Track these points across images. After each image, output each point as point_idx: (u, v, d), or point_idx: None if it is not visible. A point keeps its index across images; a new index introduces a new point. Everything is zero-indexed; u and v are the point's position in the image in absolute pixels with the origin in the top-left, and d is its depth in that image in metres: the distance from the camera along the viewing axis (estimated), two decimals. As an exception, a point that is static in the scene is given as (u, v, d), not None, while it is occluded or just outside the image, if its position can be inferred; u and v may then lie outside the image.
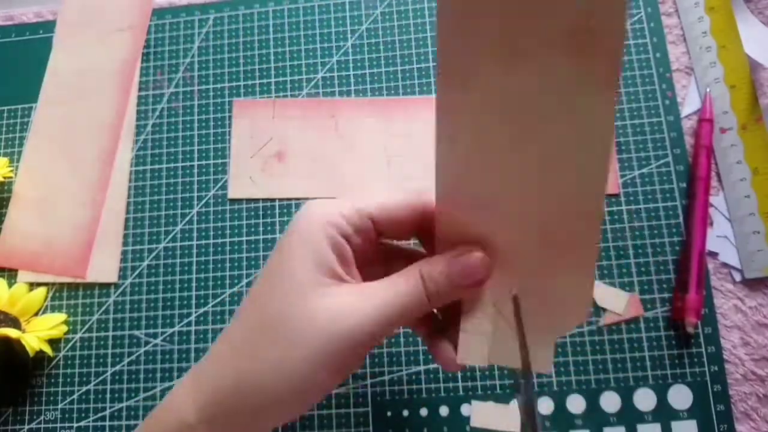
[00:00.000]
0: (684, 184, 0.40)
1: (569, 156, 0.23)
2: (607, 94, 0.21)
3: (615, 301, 0.39)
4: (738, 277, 0.38)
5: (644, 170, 0.41)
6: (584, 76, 0.21)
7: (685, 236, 0.39)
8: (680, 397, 0.37)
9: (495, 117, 0.23)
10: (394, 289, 0.25)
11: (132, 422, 0.40)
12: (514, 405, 0.38)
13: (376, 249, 0.28)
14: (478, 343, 0.26)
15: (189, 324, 0.41)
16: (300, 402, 0.25)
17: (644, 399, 0.37)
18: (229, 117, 0.45)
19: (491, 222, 0.25)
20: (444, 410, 0.38)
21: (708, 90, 0.41)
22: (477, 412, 0.38)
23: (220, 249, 0.42)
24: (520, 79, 0.22)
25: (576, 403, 0.37)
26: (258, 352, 0.24)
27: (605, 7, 0.20)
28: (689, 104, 0.41)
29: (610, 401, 0.37)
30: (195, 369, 0.27)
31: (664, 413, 0.37)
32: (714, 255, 0.39)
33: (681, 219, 0.40)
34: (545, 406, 0.38)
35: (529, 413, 0.25)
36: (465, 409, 0.38)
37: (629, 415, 0.37)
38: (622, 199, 0.40)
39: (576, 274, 0.24)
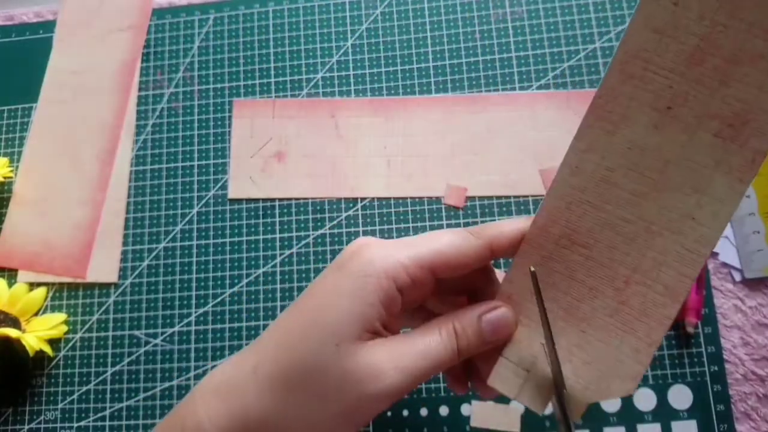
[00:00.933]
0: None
1: (678, 229, 0.23)
2: (738, 186, 0.22)
3: None
4: (738, 277, 0.38)
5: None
6: (723, 162, 0.22)
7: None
8: (680, 397, 0.37)
9: (625, 167, 0.23)
10: (428, 347, 0.24)
11: (132, 422, 0.40)
12: (513, 405, 0.38)
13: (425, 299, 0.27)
14: (513, 373, 0.26)
15: (189, 324, 0.41)
16: None
17: (644, 399, 0.37)
18: (229, 117, 0.45)
19: (573, 263, 0.25)
20: (444, 410, 0.38)
21: None
22: (477, 412, 0.38)
23: (220, 249, 0.42)
24: (664, 140, 0.23)
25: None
26: (288, 396, 0.23)
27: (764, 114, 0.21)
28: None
29: (611, 401, 0.37)
30: (217, 382, 0.25)
31: (664, 413, 0.37)
32: (714, 255, 0.39)
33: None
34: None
35: None
36: (465, 409, 0.38)
37: (629, 414, 0.37)
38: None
39: (637, 344, 0.24)
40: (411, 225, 0.41)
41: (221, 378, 0.25)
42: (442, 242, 0.25)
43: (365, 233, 0.42)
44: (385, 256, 0.24)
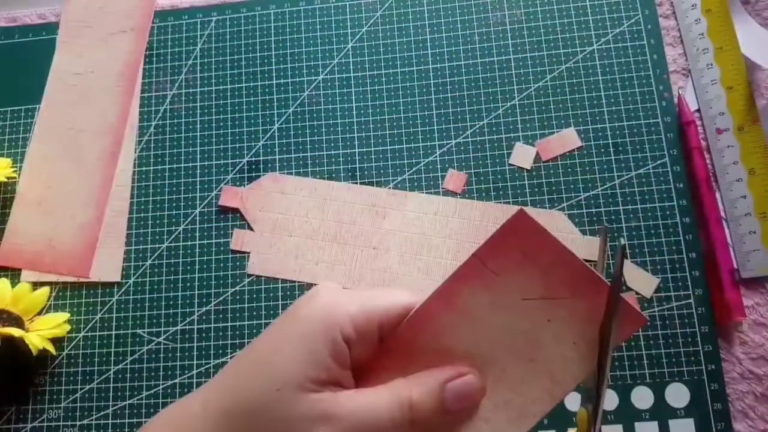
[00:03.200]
0: (681, 185, 0.40)
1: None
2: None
3: (644, 283, 0.39)
4: (735, 277, 0.39)
5: (641, 171, 0.41)
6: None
7: (703, 238, 0.39)
8: (678, 395, 0.37)
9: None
10: (378, 413, 0.22)
11: (135, 420, 0.40)
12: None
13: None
14: None
15: (191, 323, 0.42)
16: None
17: (642, 397, 0.37)
18: (230, 119, 0.45)
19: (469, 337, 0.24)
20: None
21: (680, 93, 0.42)
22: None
23: (222, 248, 0.43)
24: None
25: (574, 402, 0.38)
26: (245, 414, 0.23)
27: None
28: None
29: (608, 399, 0.38)
30: (170, 417, 0.25)
31: (661, 411, 0.37)
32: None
33: (678, 219, 0.40)
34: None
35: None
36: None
37: (627, 413, 0.37)
38: (619, 199, 0.41)
39: None
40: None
41: (173, 413, 0.25)
42: (395, 299, 0.24)
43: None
44: (335, 304, 0.23)
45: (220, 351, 0.41)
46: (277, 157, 0.44)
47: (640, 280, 0.39)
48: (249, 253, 0.42)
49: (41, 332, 0.40)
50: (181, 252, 0.43)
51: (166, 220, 0.44)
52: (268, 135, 0.45)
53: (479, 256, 0.23)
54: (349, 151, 0.44)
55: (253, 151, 0.45)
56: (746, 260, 0.38)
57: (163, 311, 0.42)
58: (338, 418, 0.22)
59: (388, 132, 0.44)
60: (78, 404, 0.41)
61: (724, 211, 0.40)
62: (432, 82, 0.44)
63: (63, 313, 0.43)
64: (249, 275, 0.42)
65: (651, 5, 0.44)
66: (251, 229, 0.43)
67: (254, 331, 0.41)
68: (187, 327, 0.42)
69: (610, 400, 0.38)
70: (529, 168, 0.42)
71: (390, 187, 0.43)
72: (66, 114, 0.46)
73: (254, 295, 0.42)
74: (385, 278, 0.40)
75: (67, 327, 0.42)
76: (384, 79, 0.45)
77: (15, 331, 0.39)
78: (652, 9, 0.44)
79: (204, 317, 0.42)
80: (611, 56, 0.43)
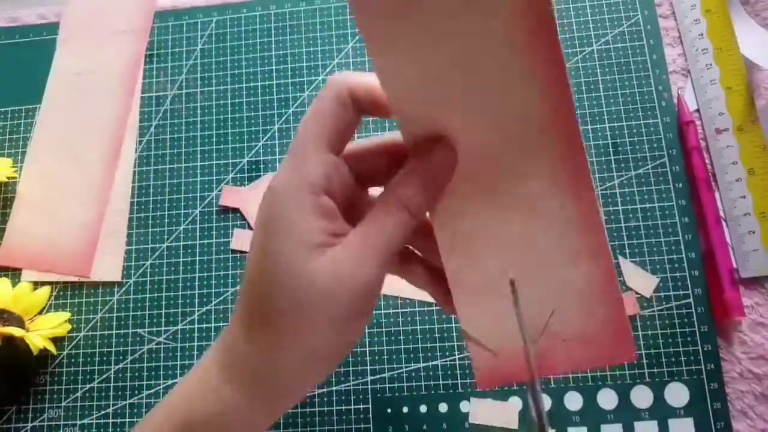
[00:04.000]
0: (680, 185, 0.40)
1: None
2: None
3: (644, 283, 0.39)
4: (734, 277, 0.39)
5: (640, 171, 0.41)
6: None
7: (702, 238, 0.40)
8: (677, 394, 0.37)
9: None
10: (384, 229, 0.24)
11: (135, 420, 0.40)
12: (512, 401, 0.38)
13: (354, 185, 0.27)
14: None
15: (192, 322, 0.42)
16: (329, 365, 0.25)
17: (641, 396, 0.38)
18: (231, 119, 0.45)
19: (453, 120, 0.23)
20: (443, 407, 0.39)
21: (680, 93, 0.42)
22: (476, 408, 0.38)
23: (222, 248, 0.43)
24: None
25: (573, 401, 0.38)
26: (267, 315, 0.24)
27: None
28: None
29: (608, 399, 0.38)
30: (217, 340, 0.27)
31: (660, 411, 0.37)
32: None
33: (677, 219, 0.40)
34: (544, 403, 0.38)
35: (538, 413, 0.25)
36: (464, 406, 0.38)
37: (626, 412, 0.37)
38: (618, 199, 0.41)
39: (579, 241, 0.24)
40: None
41: (223, 342, 0.26)
42: (322, 120, 0.24)
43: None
44: (284, 181, 0.24)
45: (221, 350, 0.41)
46: (277, 157, 0.44)
47: (640, 280, 0.39)
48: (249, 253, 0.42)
49: (42, 332, 0.41)
50: (181, 252, 0.43)
51: (166, 220, 0.44)
52: (269, 135, 0.45)
53: None
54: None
55: (254, 151, 0.45)
56: (745, 260, 0.39)
57: (163, 311, 0.42)
58: (359, 254, 0.23)
59: (387, 132, 0.44)
60: (78, 403, 0.41)
61: (723, 211, 0.40)
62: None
63: (63, 312, 0.43)
64: (249, 275, 0.42)
65: (650, 6, 0.44)
66: (251, 229, 0.43)
67: (254, 330, 0.41)
68: (187, 326, 0.42)
69: (610, 400, 0.38)
70: (528, 168, 0.42)
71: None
72: (66, 114, 0.46)
73: (254, 295, 0.42)
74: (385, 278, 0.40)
75: (68, 326, 0.42)
76: (384, 79, 0.45)
77: (16, 331, 0.39)
78: (651, 9, 0.44)
79: (204, 317, 0.42)
80: (611, 56, 0.43)
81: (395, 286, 0.40)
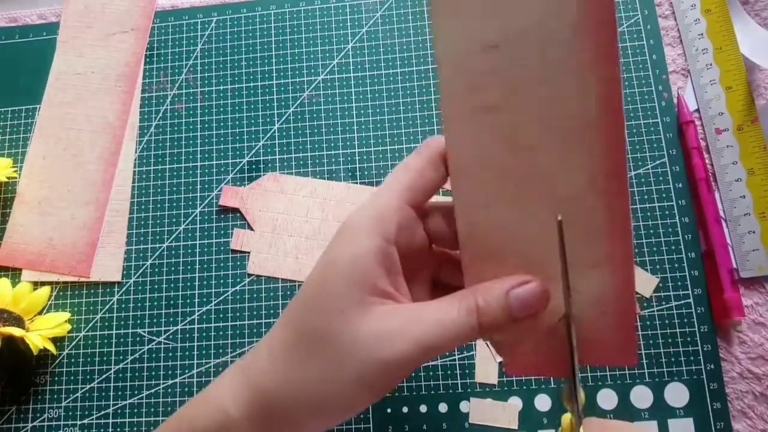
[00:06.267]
0: (680, 185, 0.40)
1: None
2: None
3: (644, 283, 0.39)
4: (734, 277, 0.39)
5: (640, 171, 0.41)
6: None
7: (702, 238, 0.40)
8: (677, 394, 0.37)
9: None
10: (445, 318, 0.23)
11: (135, 419, 0.40)
12: (512, 401, 0.38)
13: (424, 249, 0.27)
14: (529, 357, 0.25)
15: (192, 322, 0.42)
16: (338, 416, 0.25)
17: (641, 396, 0.38)
18: (231, 119, 0.45)
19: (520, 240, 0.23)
20: (443, 407, 0.39)
21: (680, 93, 0.42)
22: (476, 408, 0.38)
23: (222, 248, 0.43)
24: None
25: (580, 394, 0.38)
26: (303, 364, 0.24)
27: None
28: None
29: (607, 398, 0.38)
30: (239, 365, 0.27)
31: (660, 411, 0.37)
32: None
33: (677, 219, 0.40)
34: (544, 402, 0.38)
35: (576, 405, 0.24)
36: (464, 406, 0.38)
37: (626, 412, 0.37)
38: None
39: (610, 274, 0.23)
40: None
41: (245, 363, 0.26)
42: (409, 173, 0.25)
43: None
44: (359, 216, 0.24)
45: (221, 350, 0.41)
46: (277, 157, 0.44)
47: (640, 280, 0.39)
48: (249, 253, 0.42)
49: (42, 332, 0.41)
50: (181, 252, 0.43)
51: (166, 220, 0.44)
52: (268, 135, 0.45)
53: None
54: (349, 151, 0.44)
55: (254, 151, 0.45)
56: (745, 260, 0.39)
57: (163, 311, 0.42)
58: (409, 326, 0.23)
59: (388, 132, 0.44)
60: (78, 403, 0.41)
61: (723, 211, 0.40)
62: (432, 82, 0.44)
63: (63, 312, 0.43)
64: (249, 275, 0.42)
65: (650, 5, 0.44)
66: (251, 229, 0.43)
67: (254, 330, 0.41)
68: (187, 326, 0.42)
69: (610, 400, 0.38)
70: (528, 168, 0.42)
71: (390, 187, 0.43)
72: (66, 114, 0.46)
73: (254, 295, 0.42)
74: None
75: (68, 327, 0.42)
76: (384, 79, 0.45)
77: (16, 331, 0.39)
78: (651, 9, 0.44)
79: (204, 317, 0.42)
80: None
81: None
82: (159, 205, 0.44)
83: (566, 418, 0.25)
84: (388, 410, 0.39)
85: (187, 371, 0.41)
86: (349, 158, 0.44)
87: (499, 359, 0.39)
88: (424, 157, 0.25)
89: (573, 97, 0.21)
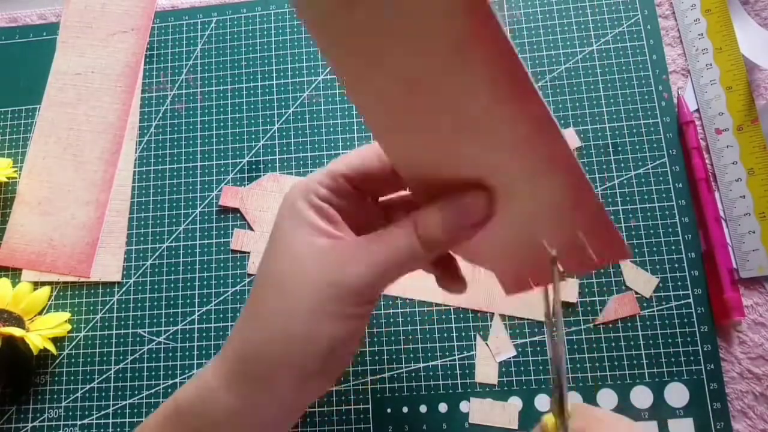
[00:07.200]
0: (680, 185, 0.40)
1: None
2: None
3: (644, 283, 0.39)
4: (734, 277, 0.39)
5: (640, 171, 0.41)
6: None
7: (702, 238, 0.40)
8: (677, 394, 0.37)
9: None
10: (386, 240, 0.24)
11: (135, 419, 0.40)
12: (512, 401, 0.38)
13: (368, 209, 0.28)
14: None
15: (192, 322, 0.42)
16: (310, 362, 0.25)
17: (641, 396, 0.38)
18: (231, 119, 0.45)
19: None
20: (443, 407, 0.39)
21: (680, 93, 0.42)
22: (476, 408, 0.38)
23: (222, 248, 0.43)
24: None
25: (573, 400, 0.38)
26: (259, 315, 0.25)
27: None
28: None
29: (607, 399, 0.38)
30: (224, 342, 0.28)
31: (660, 411, 0.37)
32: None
33: (677, 219, 0.40)
34: (543, 403, 0.38)
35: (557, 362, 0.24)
36: (464, 406, 0.38)
37: (626, 412, 0.37)
38: (618, 199, 0.41)
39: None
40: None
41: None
42: (351, 154, 0.27)
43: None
44: (301, 184, 0.27)
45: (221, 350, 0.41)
46: (277, 157, 0.44)
47: (640, 280, 0.39)
48: (249, 253, 0.42)
49: (42, 332, 0.41)
50: (181, 252, 0.43)
51: (166, 220, 0.44)
52: (268, 135, 0.45)
53: None
54: (349, 151, 0.44)
55: (254, 151, 0.45)
56: (745, 260, 0.39)
57: (163, 311, 0.42)
58: (355, 251, 0.24)
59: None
60: (78, 404, 0.41)
61: (723, 211, 0.40)
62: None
63: (63, 312, 0.43)
64: (249, 275, 0.42)
65: (650, 5, 0.44)
66: (251, 229, 0.43)
67: (254, 330, 0.41)
68: (187, 327, 0.42)
69: (610, 400, 0.38)
70: (528, 168, 0.42)
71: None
72: (66, 114, 0.46)
73: (254, 295, 0.42)
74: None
75: (68, 327, 0.42)
76: (384, 79, 0.45)
77: (16, 331, 0.39)
78: (651, 9, 0.44)
79: (204, 317, 0.42)
80: (610, 56, 0.43)
81: (396, 286, 0.40)
82: (159, 205, 0.44)
83: (549, 418, 0.25)
84: (388, 410, 0.39)
85: (187, 371, 0.41)
86: (349, 158, 0.44)
87: (499, 359, 0.39)
88: (375, 150, 0.27)
89: (433, 18, 0.19)
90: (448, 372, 0.39)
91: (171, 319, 0.42)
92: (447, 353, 0.40)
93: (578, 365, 0.38)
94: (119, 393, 0.41)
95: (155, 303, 0.42)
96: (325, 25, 0.21)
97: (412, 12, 0.19)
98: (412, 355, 0.40)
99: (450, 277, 0.30)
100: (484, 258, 0.28)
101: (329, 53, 0.22)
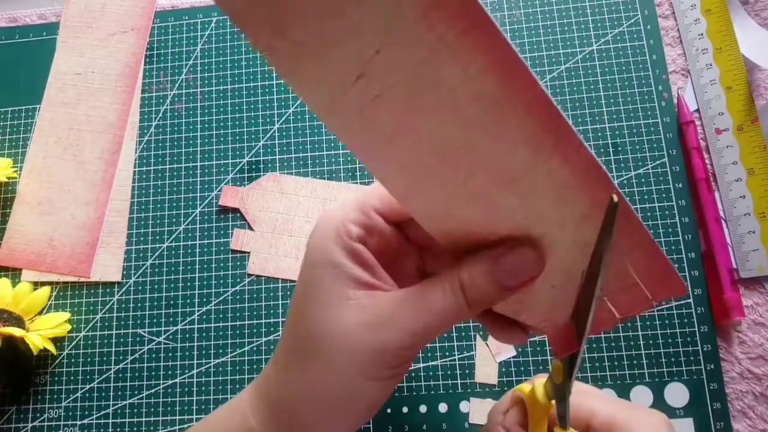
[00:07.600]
0: (680, 185, 0.40)
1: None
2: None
3: None
4: (734, 277, 0.39)
5: (640, 171, 0.41)
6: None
7: (702, 238, 0.40)
8: (677, 394, 0.37)
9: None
10: (429, 299, 0.23)
11: (135, 419, 0.40)
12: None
13: (400, 243, 0.26)
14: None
15: (192, 322, 0.42)
16: (351, 414, 0.25)
17: (641, 396, 0.38)
18: (231, 119, 0.45)
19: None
20: (443, 407, 0.39)
21: (680, 93, 0.42)
22: (476, 408, 0.38)
23: (222, 248, 0.43)
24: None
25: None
26: (302, 367, 0.24)
27: None
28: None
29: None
30: (256, 378, 0.27)
31: (660, 411, 0.37)
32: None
33: (677, 219, 0.40)
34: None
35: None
36: (464, 406, 0.38)
37: (626, 412, 0.37)
38: (620, 199, 0.41)
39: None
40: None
41: (260, 375, 0.27)
42: (379, 188, 0.25)
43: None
44: (332, 222, 0.25)
45: (221, 351, 0.41)
46: (277, 157, 0.44)
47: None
48: (249, 253, 0.42)
49: (42, 332, 0.41)
50: (181, 252, 0.43)
51: (166, 220, 0.44)
52: (268, 135, 0.45)
53: None
54: (349, 151, 0.44)
55: (254, 151, 0.45)
56: (745, 260, 0.39)
57: (163, 311, 0.42)
58: (396, 310, 0.23)
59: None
60: (78, 404, 0.41)
61: (723, 211, 0.40)
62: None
63: (63, 312, 0.43)
64: (249, 275, 0.42)
65: (650, 5, 0.44)
66: (251, 229, 0.43)
67: (254, 330, 0.41)
68: (187, 327, 0.42)
69: (610, 400, 0.38)
70: (528, 168, 0.42)
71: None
72: (66, 114, 0.46)
73: (254, 295, 0.42)
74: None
75: (68, 327, 0.42)
76: (384, 79, 0.45)
77: (16, 331, 0.39)
78: (651, 9, 0.44)
79: (204, 317, 0.42)
80: (610, 56, 0.43)
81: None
82: (159, 205, 0.44)
83: (524, 386, 0.25)
84: (388, 410, 0.39)
85: (187, 371, 0.41)
86: (349, 158, 0.44)
87: (499, 359, 0.39)
88: None
89: (458, 84, 0.18)
90: (448, 372, 0.39)
91: (171, 319, 0.42)
92: (447, 353, 0.40)
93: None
94: (119, 393, 0.41)
95: (155, 303, 0.42)
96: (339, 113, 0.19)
97: (444, 82, 0.18)
98: (412, 355, 0.40)
99: (507, 325, 0.26)
100: (531, 312, 0.25)
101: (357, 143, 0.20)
